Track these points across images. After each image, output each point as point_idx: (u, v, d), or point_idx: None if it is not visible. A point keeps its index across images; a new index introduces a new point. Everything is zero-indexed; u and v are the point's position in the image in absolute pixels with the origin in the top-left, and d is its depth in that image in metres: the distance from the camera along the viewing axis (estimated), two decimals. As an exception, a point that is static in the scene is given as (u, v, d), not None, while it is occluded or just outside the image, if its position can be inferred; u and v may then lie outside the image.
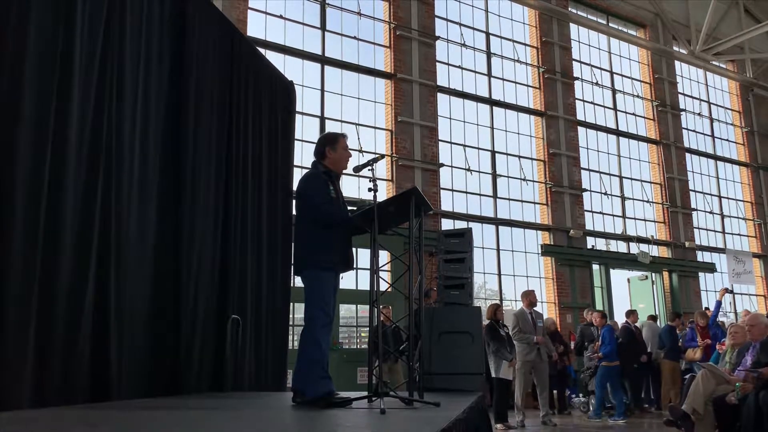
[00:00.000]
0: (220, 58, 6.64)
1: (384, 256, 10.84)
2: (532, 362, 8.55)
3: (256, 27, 10.96)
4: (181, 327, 5.64)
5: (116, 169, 4.92)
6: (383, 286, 3.63)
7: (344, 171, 4.15)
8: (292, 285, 7.73)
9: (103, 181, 4.73)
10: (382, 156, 3.85)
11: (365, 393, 3.43)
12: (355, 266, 4.07)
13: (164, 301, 5.55)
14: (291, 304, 7.34)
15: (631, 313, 11.15)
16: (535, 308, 8.91)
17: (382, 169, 11.80)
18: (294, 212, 4.09)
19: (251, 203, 6.96)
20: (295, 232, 3.94)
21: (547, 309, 12.97)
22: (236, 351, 6.15)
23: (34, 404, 3.86)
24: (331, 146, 4.02)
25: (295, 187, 4.36)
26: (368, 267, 3.61)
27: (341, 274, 3.92)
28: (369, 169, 3.67)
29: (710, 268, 16.05)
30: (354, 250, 4.07)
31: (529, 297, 8.86)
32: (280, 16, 11.32)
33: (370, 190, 3.43)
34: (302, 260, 3.79)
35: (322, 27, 11.81)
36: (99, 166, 4.70)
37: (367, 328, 9.62)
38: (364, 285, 7.96)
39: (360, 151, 11.43)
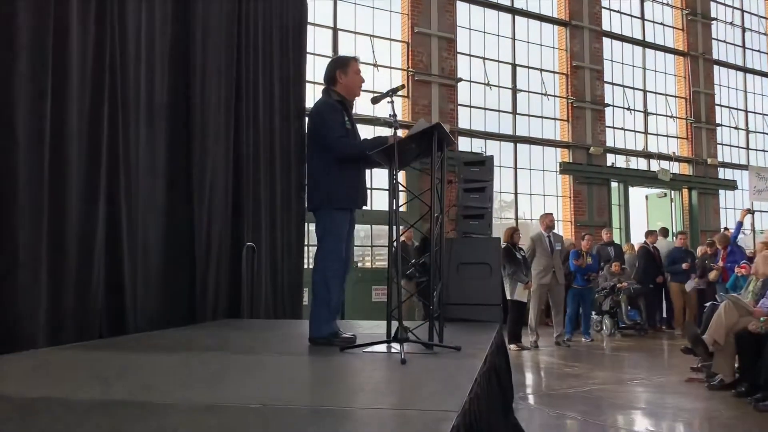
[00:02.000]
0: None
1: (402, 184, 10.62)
2: (548, 285, 8.52)
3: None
4: (195, 256, 5.58)
5: (122, 97, 4.70)
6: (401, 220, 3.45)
7: (358, 97, 3.90)
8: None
9: (108, 111, 4.53)
10: (402, 86, 3.57)
11: (382, 333, 3.33)
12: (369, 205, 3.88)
13: (177, 231, 5.46)
14: (306, 226, 7.22)
15: (650, 234, 11.00)
16: (553, 231, 8.79)
17: (397, 82, 11.29)
18: (306, 141, 3.87)
19: (263, 125, 6.71)
20: (307, 166, 3.73)
21: (563, 228, 12.84)
22: (252, 278, 6.11)
23: (50, 342, 3.85)
24: (341, 70, 3.73)
25: (307, 111, 4.10)
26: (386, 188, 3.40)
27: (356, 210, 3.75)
28: (388, 101, 3.41)
29: (731, 185, 15.74)
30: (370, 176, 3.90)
31: (547, 220, 8.71)
32: None
33: (390, 125, 3.19)
34: (316, 198, 3.60)
35: (335, -70, 11.07)
36: (103, 96, 4.49)
37: (383, 248, 9.56)
38: (380, 205, 7.81)
39: (375, 65, 10.99)
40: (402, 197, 3.73)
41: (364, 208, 3.86)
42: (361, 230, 10.33)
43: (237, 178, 6.17)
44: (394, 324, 3.18)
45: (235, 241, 6.10)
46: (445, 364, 2.90)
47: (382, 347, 3.25)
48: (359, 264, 10.33)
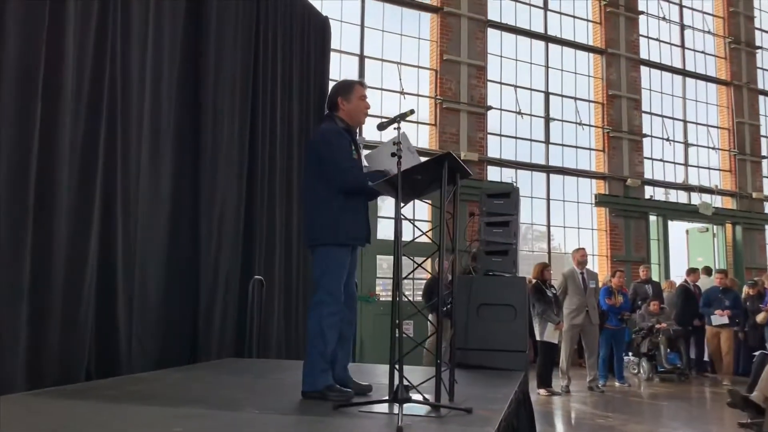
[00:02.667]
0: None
1: (421, 211, 10.29)
2: (581, 325, 7.99)
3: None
4: (200, 289, 5.27)
5: (122, 118, 4.44)
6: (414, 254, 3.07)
7: (362, 124, 3.56)
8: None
9: (105, 132, 4.27)
10: (412, 111, 3.21)
11: (382, 393, 2.93)
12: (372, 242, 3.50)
13: (180, 262, 5.15)
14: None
15: (692, 272, 10.35)
16: (587, 267, 8.29)
17: (425, 110, 11.06)
18: (305, 171, 3.53)
19: (280, 153, 6.45)
20: (306, 198, 3.38)
21: (598, 263, 12.26)
22: (261, 314, 5.77)
23: (30, 385, 3.54)
24: (344, 96, 3.40)
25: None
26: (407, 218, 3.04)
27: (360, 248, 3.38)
28: (395, 128, 3.05)
29: (779, 220, 14.93)
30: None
31: (578, 255, 8.21)
32: (318, -55, 10.47)
33: (393, 155, 2.83)
34: (316, 233, 3.24)
35: (363, -44, 10.92)
36: (101, 111, 4.23)
37: (407, 280, 9.14)
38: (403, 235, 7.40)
39: (401, 93, 10.71)
40: (418, 227, 3.36)
41: (388, 237, 3.50)
42: (384, 262, 9.94)
43: (249, 206, 5.88)
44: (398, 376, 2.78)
45: (245, 274, 5.79)
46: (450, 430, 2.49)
47: (382, 407, 2.85)
48: (382, 297, 9.93)
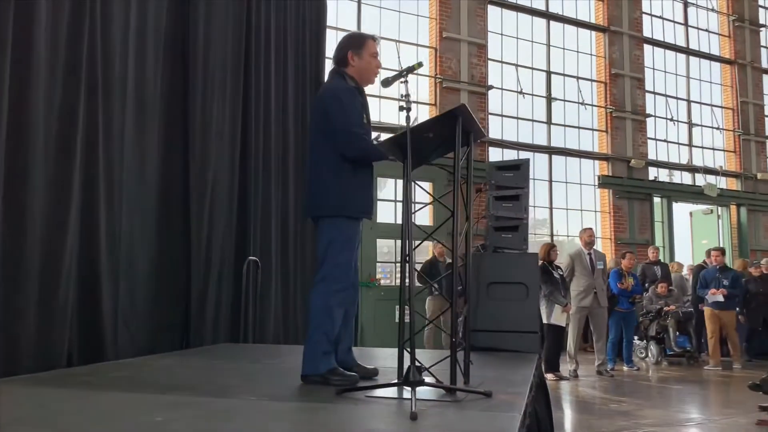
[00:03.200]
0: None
1: (422, 190, 9.93)
2: (589, 308, 7.72)
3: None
4: (191, 271, 4.94)
5: (103, 86, 4.10)
6: (419, 231, 2.76)
7: (371, 85, 3.23)
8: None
9: (85, 105, 3.94)
10: (420, 64, 2.89)
11: (393, 375, 2.64)
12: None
13: (170, 243, 4.84)
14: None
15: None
16: (594, 248, 8.01)
17: (424, 90, 10.73)
18: (311, 135, 3.20)
19: (275, 128, 6.11)
20: (310, 164, 3.05)
21: (602, 246, 11.97)
22: (256, 297, 5.46)
23: (4, 371, 3.24)
24: (355, 51, 3.08)
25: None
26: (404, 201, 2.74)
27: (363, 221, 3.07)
28: (402, 82, 2.74)
29: (784, 201, 14.65)
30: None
31: (586, 235, 7.94)
32: None
33: (401, 108, 2.52)
34: (323, 205, 2.92)
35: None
36: (80, 82, 3.90)
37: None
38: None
39: (400, 72, 10.34)
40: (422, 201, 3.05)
41: (388, 220, 3.19)
42: (384, 246, 9.64)
43: (243, 184, 5.56)
44: (409, 358, 2.49)
45: (240, 256, 5.48)
46: (473, 419, 2.20)
47: (391, 391, 2.55)
48: (383, 281, 9.64)
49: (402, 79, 2.78)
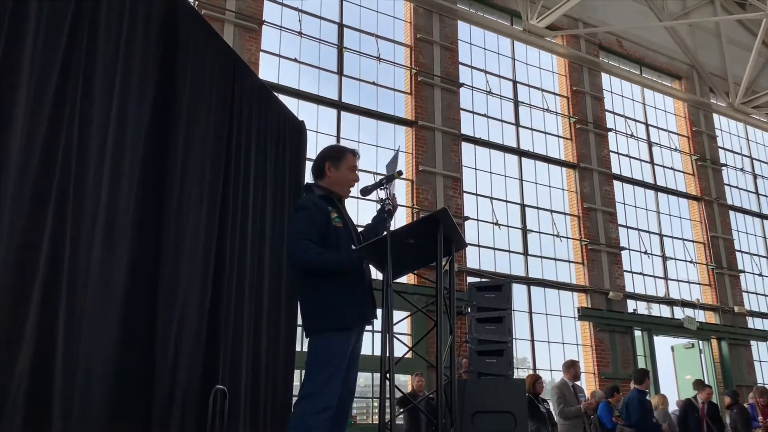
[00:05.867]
0: (217, 88, 5.80)
1: (399, 312, 9.71)
2: (579, 444, 7.28)
3: (268, 70, 10.27)
4: (154, 400, 4.58)
5: (75, 195, 3.99)
6: (399, 350, 2.55)
7: (349, 194, 3.14)
8: (299, 349, 6.66)
9: (54, 211, 3.80)
10: (400, 173, 2.85)
11: None
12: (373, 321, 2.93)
13: (132, 368, 4.50)
14: (295, 373, 6.27)
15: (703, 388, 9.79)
16: (577, 381, 7.72)
17: (401, 213, 10.80)
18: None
19: (251, 257, 5.97)
20: (296, 283, 2.90)
21: (585, 379, 11.61)
22: (222, 430, 5.04)
23: None
24: (332, 162, 3.03)
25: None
26: (381, 327, 2.57)
27: (364, 329, 2.86)
28: (383, 188, 2.67)
29: (763, 336, 14.58)
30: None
31: (573, 369, 7.66)
32: (295, 60, 10.66)
33: (384, 210, 2.42)
34: (312, 321, 2.74)
35: (339, 72, 11.11)
36: (50, 196, 3.79)
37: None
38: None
39: (378, 201, 10.49)
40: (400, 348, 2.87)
41: (364, 351, 2.98)
42: (360, 377, 9.20)
43: (215, 306, 5.31)
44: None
45: (207, 384, 5.12)
46: None
47: None
48: (359, 419, 9.10)
49: (382, 187, 2.72)
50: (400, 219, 10.78)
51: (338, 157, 3.09)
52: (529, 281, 11.82)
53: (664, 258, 14.11)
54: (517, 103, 13.02)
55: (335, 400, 2.69)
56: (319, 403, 2.61)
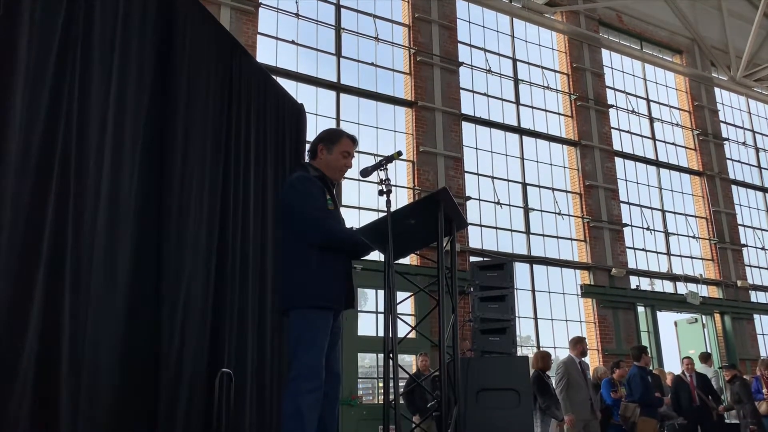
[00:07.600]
0: (216, 74, 5.77)
1: (402, 293, 9.72)
2: (584, 420, 7.34)
3: (266, 54, 10.21)
4: (160, 386, 4.61)
5: (76, 176, 3.99)
6: (403, 330, 2.57)
7: (336, 181, 3.15)
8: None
9: (56, 191, 3.80)
10: (399, 153, 2.85)
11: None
12: (357, 306, 2.96)
13: (138, 353, 4.54)
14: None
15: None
16: (584, 358, 7.77)
17: (403, 194, 10.80)
18: (279, 230, 3.08)
19: (253, 240, 5.98)
20: (281, 256, 2.91)
21: (589, 356, 11.65)
22: (229, 413, 5.09)
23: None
24: (326, 144, 3.04)
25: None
26: (383, 307, 2.58)
27: (342, 313, 2.88)
28: (381, 170, 2.67)
29: (766, 309, 14.62)
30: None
31: (581, 345, 7.71)
32: (293, 42, 10.59)
33: (381, 193, 2.43)
34: (289, 294, 2.76)
35: (338, 53, 11.04)
36: (52, 171, 3.78)
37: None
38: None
39: (379, 182, 10.47)
40: (403, 328, 2.89)
41: (369, 333, 3.00)
42: (365, 357, 9.27)
43: (219, 288, 5.34)
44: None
45: (213, 366, 5.16)
46: None
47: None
48: (365, 399, 9.18)
49: (381, 168, 2.72)
50: (402, 200, 10.79)
51: (332, 141, 3.09)
52: (531, 259, 11.84)
53: (667, 234, 14.11)
54: (517, 81, 12.95)
55: (322, 379, 2.72)
56: (308, 383, 2.64)
